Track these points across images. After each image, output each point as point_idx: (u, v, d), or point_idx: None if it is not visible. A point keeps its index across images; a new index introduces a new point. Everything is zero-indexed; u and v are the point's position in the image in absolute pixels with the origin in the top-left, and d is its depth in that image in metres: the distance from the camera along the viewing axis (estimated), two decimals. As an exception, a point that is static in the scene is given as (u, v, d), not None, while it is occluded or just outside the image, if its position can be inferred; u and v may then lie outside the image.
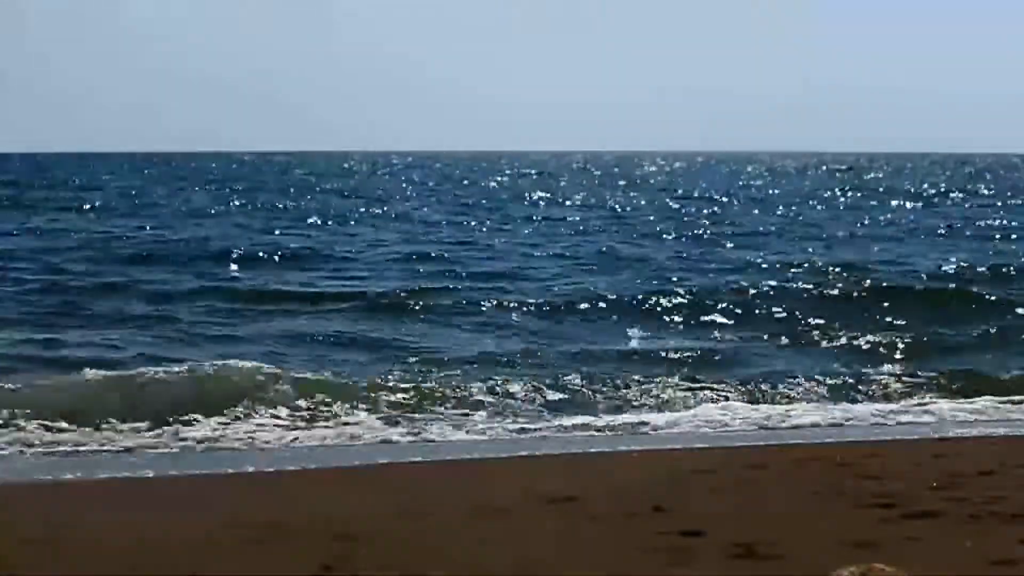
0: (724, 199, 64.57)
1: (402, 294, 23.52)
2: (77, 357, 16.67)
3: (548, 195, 67.28)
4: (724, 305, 22.37)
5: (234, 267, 28.60)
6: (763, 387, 15.72)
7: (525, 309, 22.27)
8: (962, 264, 29.08)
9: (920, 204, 59.88)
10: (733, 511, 8.65)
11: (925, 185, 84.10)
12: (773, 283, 24.91)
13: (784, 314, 21.77)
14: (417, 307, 22.09)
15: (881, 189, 76.92)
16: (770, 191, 75.34)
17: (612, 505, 8.82)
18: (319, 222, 44.07)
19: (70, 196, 60.71)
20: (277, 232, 38.85)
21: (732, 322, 21.25)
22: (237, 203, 55.98)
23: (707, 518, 8.25)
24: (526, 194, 68.53)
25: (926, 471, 9.91)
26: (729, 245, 35.56)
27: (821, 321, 20.82)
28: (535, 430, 13.44)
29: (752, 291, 23.90)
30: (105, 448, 12.13)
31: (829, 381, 16.16)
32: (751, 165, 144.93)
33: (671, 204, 59.55)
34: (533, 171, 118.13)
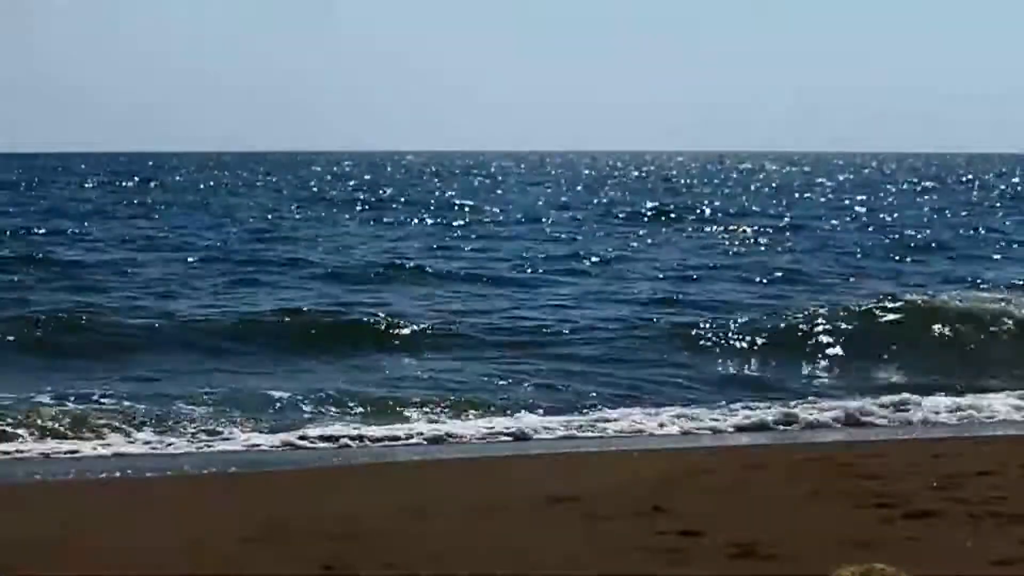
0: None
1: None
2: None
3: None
4: None
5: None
6: None
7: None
8: None
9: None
10: (733, 511, 8.65)
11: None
12: None
13: None
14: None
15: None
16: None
17: (612, 505, 8.81)
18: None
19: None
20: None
21: None
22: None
23: (707, 518, 8.25)
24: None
25: (926, 471, 9.91)
26: None
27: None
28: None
29: None
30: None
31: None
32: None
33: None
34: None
